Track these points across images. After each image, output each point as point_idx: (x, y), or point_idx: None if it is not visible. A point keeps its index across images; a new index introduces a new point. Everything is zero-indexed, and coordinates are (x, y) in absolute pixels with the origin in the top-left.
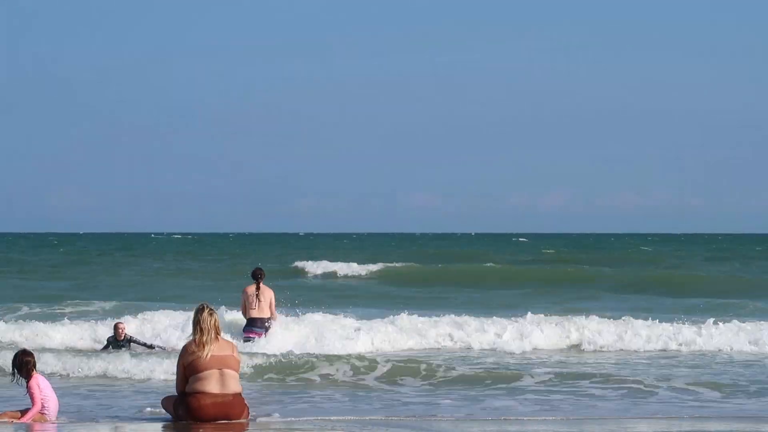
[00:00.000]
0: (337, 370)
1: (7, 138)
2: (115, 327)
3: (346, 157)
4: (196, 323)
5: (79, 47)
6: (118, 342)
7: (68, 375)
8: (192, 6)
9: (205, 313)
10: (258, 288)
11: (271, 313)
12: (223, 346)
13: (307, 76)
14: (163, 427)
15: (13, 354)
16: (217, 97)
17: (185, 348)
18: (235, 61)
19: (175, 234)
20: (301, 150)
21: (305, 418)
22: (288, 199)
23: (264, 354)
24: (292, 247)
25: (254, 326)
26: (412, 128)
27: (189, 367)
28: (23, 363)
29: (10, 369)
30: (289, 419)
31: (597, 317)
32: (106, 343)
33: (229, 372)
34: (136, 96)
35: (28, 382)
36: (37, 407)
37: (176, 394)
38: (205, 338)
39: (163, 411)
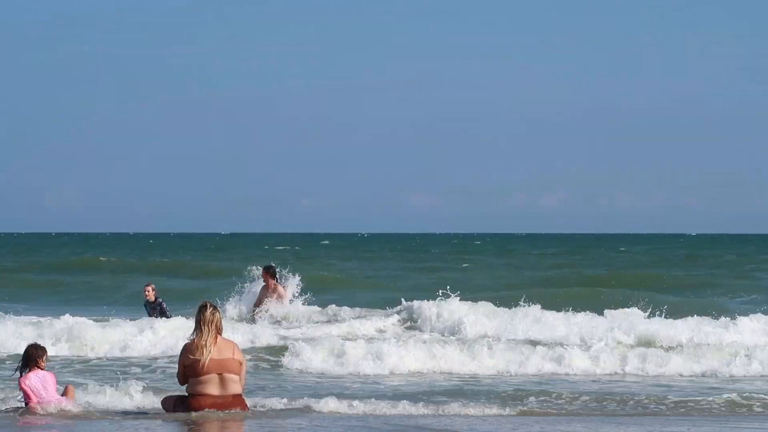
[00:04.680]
0: None
1: (7, 137)
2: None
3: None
4: (198, 322)
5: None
6: (149, 305)
7: None
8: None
9: (208, 312)
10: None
11: None
12: (223, 348)
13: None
14: (163, 422)
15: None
16: (218, 97)
17: (186, 348)
18: (236, 62)
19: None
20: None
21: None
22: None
23: None
24: None
25: None
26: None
27: (189, 368)
28: (28, 355)
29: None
30: (285, 415)
31: None
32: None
33: (229, 376)
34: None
35: (25, 374)
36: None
37: (175, 395)
38: (204, 340)
39: (163, 409)
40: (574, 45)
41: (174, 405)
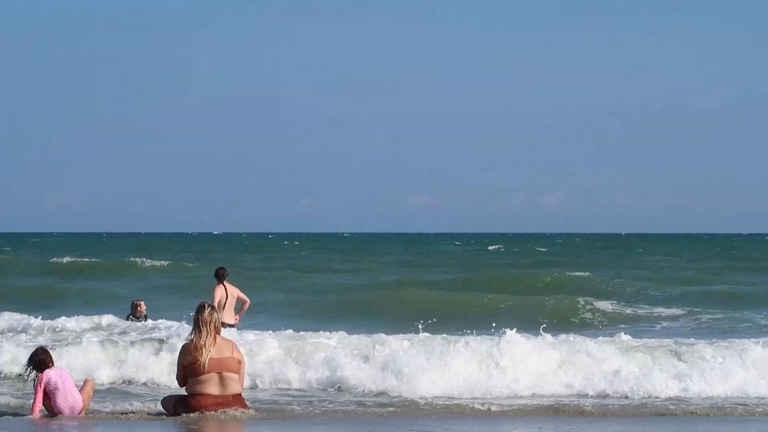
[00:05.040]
0: None
1: (7, 137)
2: (133, 305)
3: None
4: (197, 322)
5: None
6: (137, 318)
7: None
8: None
9: (206, 312)
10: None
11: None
12: (222, 347)
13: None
14: (163, 422)
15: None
16: (218, 97)
17: (185, 347)
18: (235, 62)
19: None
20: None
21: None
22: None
23: None
24: None
25: None
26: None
27: (188, 368)
28: (36, 360)
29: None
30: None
31: None
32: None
33: (228, 375)
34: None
35: (42, 372)
36: (37, 401)
37: (175, 394)
38: (203, 340)
39: (163, 410)
40: (573, 45)
41: (174, 405)
